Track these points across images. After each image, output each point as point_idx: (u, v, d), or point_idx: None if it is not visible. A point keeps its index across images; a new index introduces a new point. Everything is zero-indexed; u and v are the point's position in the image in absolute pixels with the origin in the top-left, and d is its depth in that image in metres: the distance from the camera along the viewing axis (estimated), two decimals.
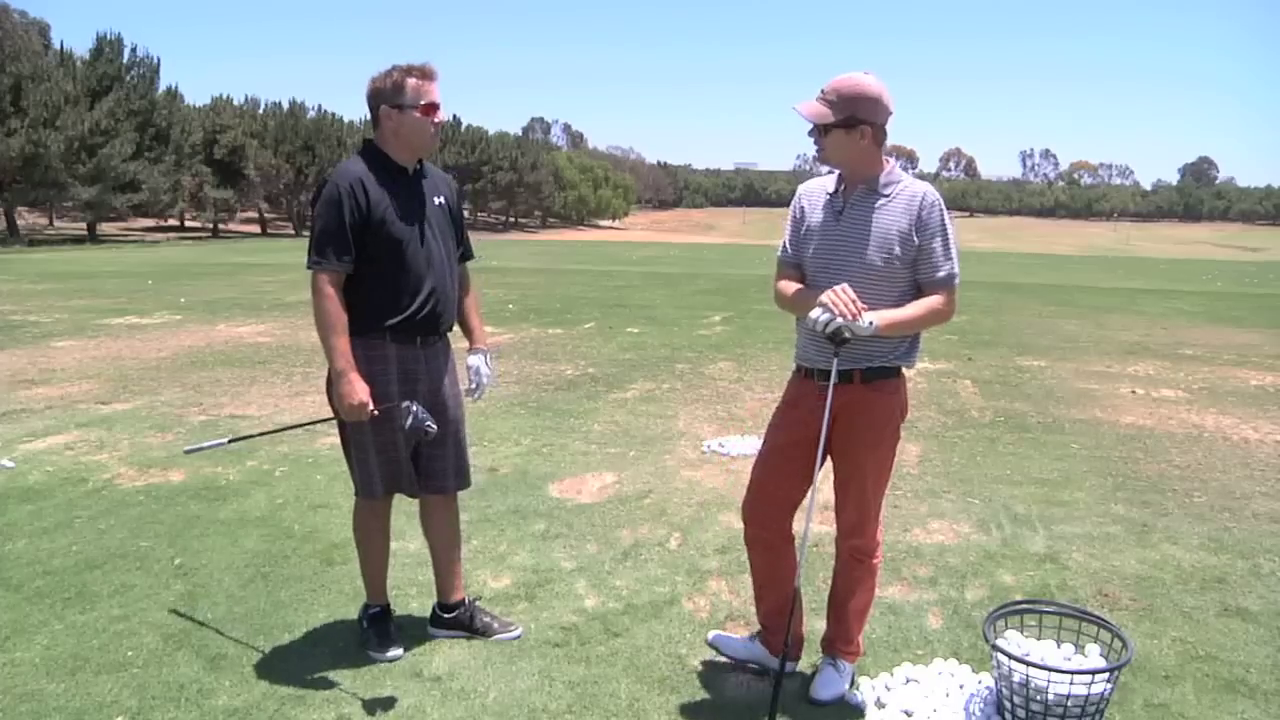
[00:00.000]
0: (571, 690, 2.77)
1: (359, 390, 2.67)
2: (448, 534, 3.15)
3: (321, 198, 2.72)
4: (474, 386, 3.09)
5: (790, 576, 2.90)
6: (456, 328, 3.04)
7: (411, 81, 2.72)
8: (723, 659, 2.96)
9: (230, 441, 3.31)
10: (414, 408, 2.70)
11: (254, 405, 6.60)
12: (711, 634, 3.02)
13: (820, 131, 2.54)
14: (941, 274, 2.57)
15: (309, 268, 2.72)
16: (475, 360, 3.08)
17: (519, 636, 3.10)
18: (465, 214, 3.23)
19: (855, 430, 2.64)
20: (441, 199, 2.93)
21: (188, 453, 3.25)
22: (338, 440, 3.02)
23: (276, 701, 2.68)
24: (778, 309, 2.80)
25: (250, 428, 5.86)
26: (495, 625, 3.13)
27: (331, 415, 2.87)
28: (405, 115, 2.73)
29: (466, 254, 3.09)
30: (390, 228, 2.74)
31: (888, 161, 2.62)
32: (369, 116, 2.82)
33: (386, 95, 2.74)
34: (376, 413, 2.71)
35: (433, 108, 2.75)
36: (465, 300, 3.09)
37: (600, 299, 15.07)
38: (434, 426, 2.73)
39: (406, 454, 2.90)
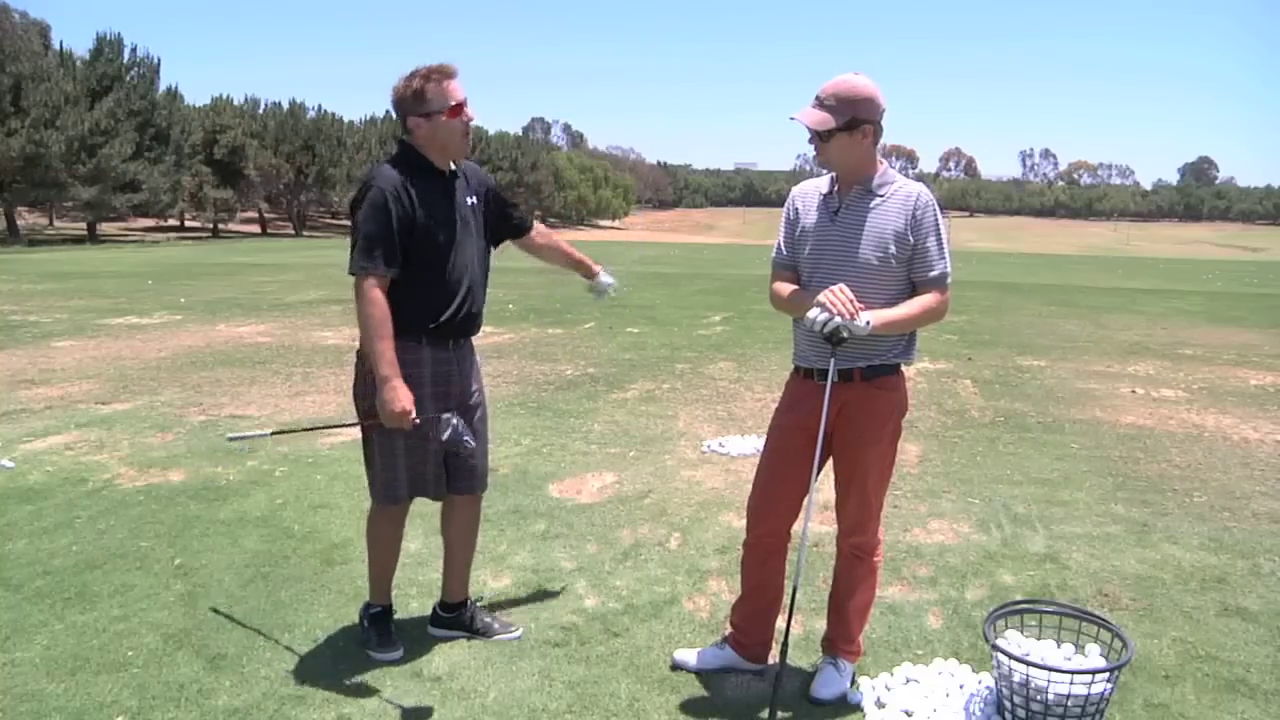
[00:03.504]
0: (571, 690, 2.78)
1: (403, 397, 2.63)
2: (467, 534, 3.15)
3: (365, 202, 2.67)
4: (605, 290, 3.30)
5: (776, 582, 2.90)
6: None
7: (432, 86, 2.68)
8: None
9: (272, 434, 3.33)
10: (454, 420, 2.68)
11: (254, 405, 6.60)
12: (675, 655, 2.96)
13: (821, 137, 2.55)
14: (935, 272, 2.60)
15: (353, 273, 2.67)
16: (606, 279, 3.30)
17: (519, 637, 3.10)
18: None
19: (856, 428, 2.66)
20: (474, 198, 2.90)
21: (230, 440, 3.27)
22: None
23: (276, 701, 2.68)
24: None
25: (251, 428, 5.87)
26: (495, 626, 3.13)
27: (361, 420, 2.85)
28: (434, 121, 2.70)
29: (523, 225, 3.12)
30: (430, 232, 2.72)
31: (881, 162, 2.65)
32: (397, 119, 2.79)
33: (410, 105, 2.70)
34: (419, 421, 2.68)
35: (459, 107, 2.72)
36: (554, 245, 3.25)
37: None
38: (472, 442, 2.72)
39: (438, 459, 2.88)
